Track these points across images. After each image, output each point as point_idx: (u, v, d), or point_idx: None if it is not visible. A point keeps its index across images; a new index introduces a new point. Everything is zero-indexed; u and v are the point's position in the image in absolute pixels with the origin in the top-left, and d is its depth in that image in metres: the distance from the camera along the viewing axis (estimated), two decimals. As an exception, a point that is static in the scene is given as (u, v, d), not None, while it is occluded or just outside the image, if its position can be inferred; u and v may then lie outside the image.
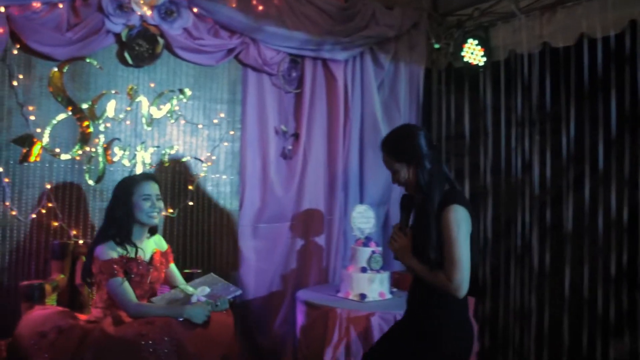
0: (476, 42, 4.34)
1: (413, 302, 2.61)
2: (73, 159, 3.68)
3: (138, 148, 3.87)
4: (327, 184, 4.56)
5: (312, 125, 4.47)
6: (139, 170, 3.86)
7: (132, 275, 3.05)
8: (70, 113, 3.66)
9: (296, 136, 4.40)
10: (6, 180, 3.50)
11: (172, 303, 3.06)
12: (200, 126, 4.09)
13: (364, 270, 3.91)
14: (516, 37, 4.19)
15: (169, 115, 3.97)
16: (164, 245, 3.37)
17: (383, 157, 2.56)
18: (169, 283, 3.36)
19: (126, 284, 2.98)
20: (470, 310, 3.82)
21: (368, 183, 4.66)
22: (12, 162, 3.53)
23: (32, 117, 3.56)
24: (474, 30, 4.44)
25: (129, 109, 3.84)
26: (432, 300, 2.44)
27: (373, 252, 3.95)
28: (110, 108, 3.77)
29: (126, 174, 3.72)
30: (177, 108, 3.99)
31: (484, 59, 4.35)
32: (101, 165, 3.75)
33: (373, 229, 4.19)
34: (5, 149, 3.51)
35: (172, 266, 3.36)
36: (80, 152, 3.69)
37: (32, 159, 3.57)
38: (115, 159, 3.80)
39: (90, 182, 3.73)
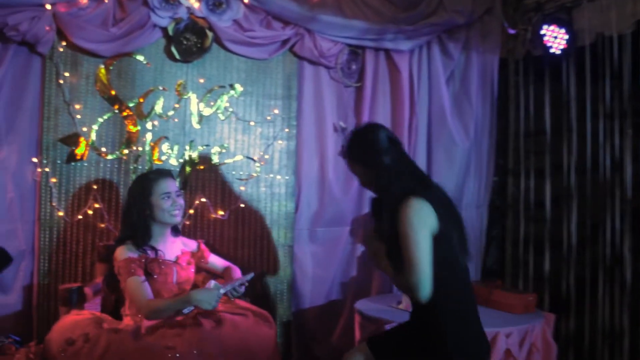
0: (557, 26, 3.85)
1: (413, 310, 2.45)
2: (120, 159, 3.56)
3: (187, 147, 3.70)
4: (391, 185, 4.21)
5: (374, 120, 4.14)
6: (187, 169, 3.69)
7: (155, 276, 2.87)
8: (116, 111, 3.55)
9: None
10: (53, 180, 3.43)
11: None
12: (252, 123, 3.87)
13: (427, 280, 3.54)
14: (604, 18, 3.67)
15: (219, 112, 3.77)
16: (193, 246, 3.19)
17: (346, 162, 2.48)
18: (214, 273, 3.24)
19: (145, 284, 2.81)
20: (551, 328, 3.39)
21: (436, 184, 4.27)
22: (59, 162, 3.45)
23: (79, 116, 3.47)
24: (554, 12, 3.95)
25: (177, 106, 3.68)
26: (427, 310, 2.26)
27: (438, 260, 3.58)
28: (158, 105, 3.63)
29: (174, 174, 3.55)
30: (227, 105, 3.79)
31: (567, 44, 3.85)
32: (148, 164, 3.61)
33: (439, 235, 3.80)
34: (52, 149, 3.44)
35: (212, 259, 3.24)
36: (126, 151, 3.56)
37: (78, 158, 3.47)
38: (163, 158, 3.65)
39: (138, 182, 3.59)
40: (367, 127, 2.47)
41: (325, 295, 4.07)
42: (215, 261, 3.25)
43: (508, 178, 4.45)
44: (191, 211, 3.70)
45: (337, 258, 4.09)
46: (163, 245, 3.01)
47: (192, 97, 3.71)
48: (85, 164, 3.50)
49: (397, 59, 4.12)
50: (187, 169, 3.70)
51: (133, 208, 2.95)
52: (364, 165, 2.37)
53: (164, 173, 3.06)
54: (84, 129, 3.48)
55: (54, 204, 3.44)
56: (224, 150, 3.79)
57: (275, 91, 3.93)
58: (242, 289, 2.90)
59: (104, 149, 3.53)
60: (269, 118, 3.91)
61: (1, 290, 3.38)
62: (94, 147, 3.51)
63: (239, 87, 3.80)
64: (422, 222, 2.15)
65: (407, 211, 2.15)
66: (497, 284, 3.75)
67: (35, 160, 3.41)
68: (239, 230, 3.84)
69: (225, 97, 3.78)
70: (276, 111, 3.93)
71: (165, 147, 3.65)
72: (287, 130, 3.96)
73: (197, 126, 3.73)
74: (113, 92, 3.53)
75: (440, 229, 2.19)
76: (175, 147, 3.67)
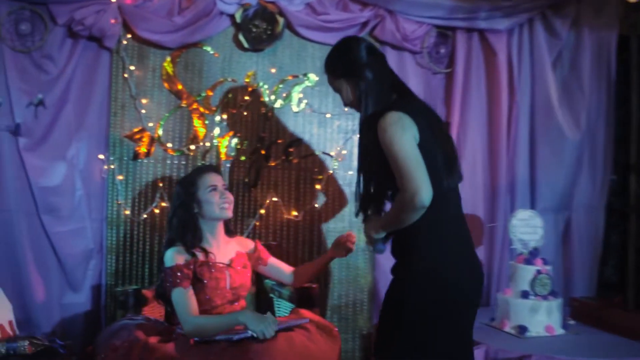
0: (692, -9, 3.19)
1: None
2: (186, 155, 3.38)
3: (257, 142, 3.44)
4: (487, 185, 3.74)
5: (467, 112, 3.69)
6: (258, 166, 3.44)
7: (206, 281, 2.62)
8: (184, 105, 3.37)
9: (447, 126, 3.65)
10: (119, 177, 3.31)
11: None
12: (329, 116, 3.55)
13: (525, 295, 3.06)
14: None
15: (292, 104, 3.49)
16: (250, 246, 2.90)
17: (327, 78, 2.34)
18: (276, 280, 3.00)
19: (189, 296, 2.58)
20: None
21: (541, 183, 3.73)
22: (125, 159, 3.33)
23: (144, 111, 3.33)
24: (688, -25, 3.29)
25: (247, 98, 3.44)
26: (408, 245, 2.14)
27: (539, 271, 3.08)
28: (227, 98, 3.40)
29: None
30: (301, 96, 3.50)
31: None
32: (216, 160, 3.40)
33: (541, 242, 3.28)
34: (119, 145, 3.32)
35: (272, 261, 2.94)
36: (193, 147, 3.38)
37: (144, 155, 3.33)
38: (232, 154, 3.42)
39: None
40: (350, 40, 2.34)
41: (411, 305, 3.66)
42: (277, 264, 2.95)
43: (630, 176, 3.80)
44: (262, 211, 3.45)
45: (424, 265, 3.66)
46: (215, 247, 2.77)
47: (263, 88, 3.45)
48: (152, 161, 3.36)
49: (493, 40, 3.64)
50: (258, 165, 3.44)
51: (180, 207, 2.74)
52: (345, 80, 2.23)
53: (209, 168, 2.89)
54: (150, 124, 3.34)
55: (120, 202, 3.32)
56: (298, 146, 3.50)
57: (354, 80, 3.58)
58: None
59: (170, 145, 3.36)
60: (346, 110, 3.57)
61: (72, 289, 3.33)
62: (160, 143, 3.35)
63: (313, 77, 3.50)
64: (402, 129, 2.03)
65: (386, 122, 2.05)
66: (616, 302, 3.19)
67: (102, 157, 3.30)
68: (314, 233, 3.53)
69: (298, 88, 3.49)
70: (355, 102, 3.57)
71: (234, 142, 3.42)
72: (367, 123, 3.60)
73: (268, 120, 3.46)
74: (180, 86, 3.36)
75: (421, 142, 2.05)
76: (245, 143, 3.44)
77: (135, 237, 3.34)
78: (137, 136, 3.32)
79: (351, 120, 3.57)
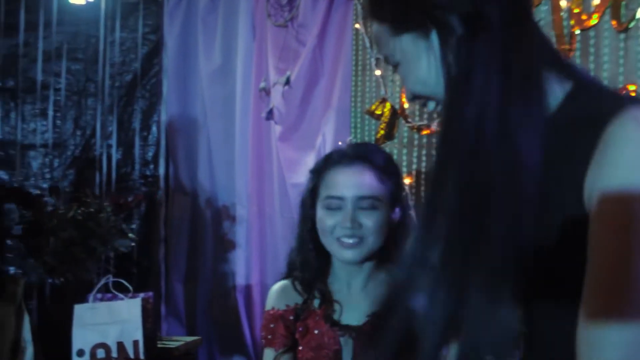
0: None
1: None
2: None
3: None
4: None
5: None
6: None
7: (301, 347, 1.45)
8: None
9: None
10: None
11: None
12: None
13: None
14: None
15: None
16: None
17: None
18: None
19: None
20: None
21: None
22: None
23: (378, 72, 2.31)
24: None
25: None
26: None
27: None
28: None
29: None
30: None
31: None
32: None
33: None
34: (360, 125, 2.41)
35: None
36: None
37: (385, 136, 2.31)
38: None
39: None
40: None
41: None
42: None
43: None
44: None
45: None
46: (346, 293, 1.54)
47: None
48: (396, 144, 2.29)
49: None
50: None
51: (301, 219, 1.60)
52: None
53: (351, 155, 1.47)
54: (388, 91, 2.29)
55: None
56: None
57: None
58: None
59: (417, 120, 2.22)
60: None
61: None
62: (404, 115, 2.25)
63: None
64: None
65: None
66: None
67: (340, 143, 2.46)
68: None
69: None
70: None
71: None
72: None
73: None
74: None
75: None
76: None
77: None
78: (379, 111, 2.33)
79: None
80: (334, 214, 1.42)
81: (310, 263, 1.51)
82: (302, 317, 1.48)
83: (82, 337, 2.01)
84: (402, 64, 0.81)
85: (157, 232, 3.33)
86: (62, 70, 3.29)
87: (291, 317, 1.48)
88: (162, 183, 3.33)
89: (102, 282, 2.15)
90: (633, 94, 1.65)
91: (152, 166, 3.44)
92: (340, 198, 1.42)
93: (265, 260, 2.82)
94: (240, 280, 2.91)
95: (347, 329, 1.46)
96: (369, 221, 1.41)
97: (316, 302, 1.49)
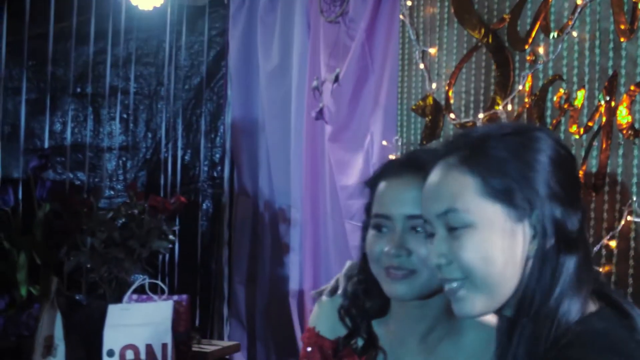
0: None
1: None
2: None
3: (606, 90, 1.65)
4: None
5: None
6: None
7: None
8: (480, 45, 1.97)
9: None
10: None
11: None
12: None
13: None
14: None
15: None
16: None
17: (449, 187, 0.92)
18: None
19: None
20: None
21: None
22: (413, 142, 2.23)
23: (421, 66, 2.14)
24: None
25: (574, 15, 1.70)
26: None
27: None
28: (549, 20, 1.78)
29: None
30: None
31: None
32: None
33: None
34: (406, 124, 2.26)
35: None
36: (493, 111, 1.92)
37: (430, 134, 2.13)
38: (562, 121, 1.76)
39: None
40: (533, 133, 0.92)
41: None
42: None
43: None
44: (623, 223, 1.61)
45: None
46: (399, 340, 1.23)
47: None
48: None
49: None
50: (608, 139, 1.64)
51: (360, 241, 1.28)
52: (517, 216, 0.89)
53: (402, 162, 1.19)
54: (434, 86, 2.11)
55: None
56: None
57: None
58: None
59: (462, 117, 2.03)
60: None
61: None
62: (449, 111, 2.07)
63: None
64: None
65: None
66: None
67: (385, 143, 2.32)
68: None
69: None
70: None
71: (560, 94, 1.75)
72: None
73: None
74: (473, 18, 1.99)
75: None
76: (581, 94, 1.71)
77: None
78: (425, 107, 2.16)
79: None
80: (381, 237, 1.15)
81: (359, 297, 1.25)
82: (340, 355, 1.26)
83: (113, 337, 2.02)
84: (474, 230, 0.87)
85: (222, 234, 3.33)
86: (132, 75, 3.39)
87: (329, 351, 1.28)
88: (226, 185, 3.34)
89: (138, 283, 2.15)
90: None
91: (219, 168, 3.47)
92: (387, 217, 1.14)
93: (319, 264, 2.73)
94: (293, 285, 2.83)
95: None
96: (423, 248, 1.08)
97: (360, 341, 1.25)
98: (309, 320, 1.32)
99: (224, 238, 3.33)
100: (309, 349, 1.27)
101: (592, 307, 0.89)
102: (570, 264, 0.87)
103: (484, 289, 0.89)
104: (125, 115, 3.45)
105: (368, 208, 1.19)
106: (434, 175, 0.95)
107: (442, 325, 1.18)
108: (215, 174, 3.47)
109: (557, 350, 0.84)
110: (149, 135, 3.53)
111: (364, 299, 1.22)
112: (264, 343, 3.04)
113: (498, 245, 0.87)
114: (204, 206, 3.43)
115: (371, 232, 1.16)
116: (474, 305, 0.91)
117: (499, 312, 0.95)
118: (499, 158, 0.88)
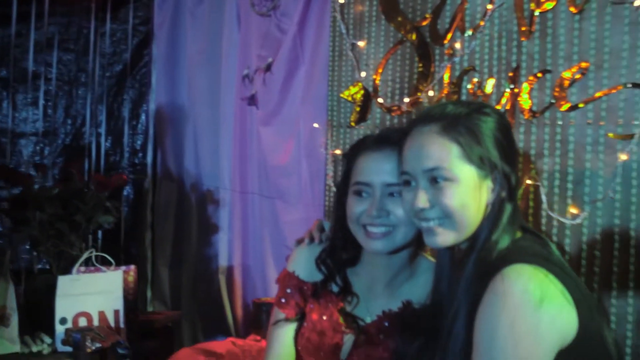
0: None
1: None
2: (407, 112, 2.25)
3: (510, 79, 1.98)
4: None
5: None
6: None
7: (306, 323, 1.49)
8: (404, 39, 2.26)
9: None
10: (337, 152, 2.49)
11: None
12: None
13: None
14: None
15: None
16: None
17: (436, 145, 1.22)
18: None
19: (281, 332, 1.50)
20: None
21: None
22: (343, 127, 2.48)
23: (349, 55, 2.41)
24: None
25: (490, 8, 2.03)
26: None
27: None
28: (468, 19, 2.09)
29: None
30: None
31: None
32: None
33: None
34: (336, 108, 2.50)
35: None
36: (413, 99, 2.21)
37: (359, 119, 2.40)
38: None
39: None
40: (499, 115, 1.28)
41: None
42: None
43: None
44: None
45: None
46: (369, 285, 1.49)
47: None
48: (369, 125, 2.38)
49: None
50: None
51: (334, 203, 1.55)
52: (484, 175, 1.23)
53: (380, 138, 1.43)
54: (363, 74, 2.38)
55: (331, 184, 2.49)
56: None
57: None
58: None
59: (388, 102, 2.31)
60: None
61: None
62: (376, 96, 2.35)
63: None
64: (549, 331, 1.05)
65: (512, 299, 1.06)
66: None
67: (316, 125, 2.56)
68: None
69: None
70: None
71: (474, 83, 2.07)
72: None
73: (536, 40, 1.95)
74: (398, 16, 2.28)
75: (580, 334, 1.08)
76: (490, 82, 2.03)
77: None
78: (354, 94, 2.42)
79: None
80: (361, 201, 1.37)
81: (337, 251, 1.46)
82: (318, 295, 1.47)
83: (65, 306, 2.10)
84: (455, 184, 1.18)
85: (144, 219, 3.41)
86: (53, 60, 3.39)
87: (309, 292, 1.47)
88: (149, 171, 3.42)
89: (85, 255, 2.24)
90: (578, 77, 1.76)
91: (140, 154, 3.53)
92: (367, 184, 1.36)
93: (247, 241, 2.90)
94: (222, 262, 2.99)
95: (353, 324, 1.43)
96: (399, 209, 1.33)
97: (335, 288, 1.46)
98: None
99: (147, 222, 3.41)
100: (289, 290, 1.48)
101: (519, 234, 1.23)
102: (509, 208, 1.22)
103: (458, 227, 1.20)
104: (43, 101, 3.44)
105: (345, 177, 1.43)
106: (416, 140, 1.24)
107: (404, 272, 1.45)
108: (136, 161, 3.54)
109: (496, 260, 1.15)
110: (69, 121, 3.53)
111: (341, 251, 1.45)
112: (190, 324, 3.16)
113: (471, 196, 1.19)
114: (125, 192, 3.48)
115: (352, 197, 1.40)
116: (447, 239, 1.22)
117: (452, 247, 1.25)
118: (472, 131, 1.20)
